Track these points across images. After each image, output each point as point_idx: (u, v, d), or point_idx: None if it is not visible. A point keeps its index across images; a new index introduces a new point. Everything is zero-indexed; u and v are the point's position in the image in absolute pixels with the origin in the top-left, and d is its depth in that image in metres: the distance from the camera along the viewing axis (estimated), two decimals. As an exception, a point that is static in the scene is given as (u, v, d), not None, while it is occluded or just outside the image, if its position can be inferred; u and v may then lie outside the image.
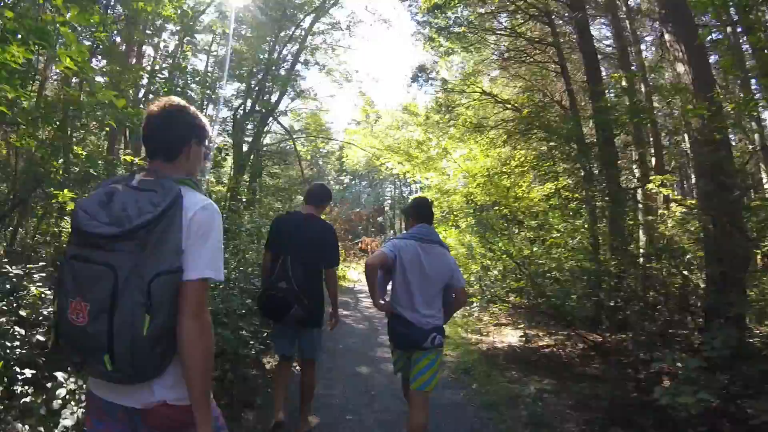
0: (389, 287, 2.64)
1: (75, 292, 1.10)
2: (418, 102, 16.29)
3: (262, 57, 11.75)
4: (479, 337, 6.20)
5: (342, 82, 15.76)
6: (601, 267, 4.84)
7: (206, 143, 1.40)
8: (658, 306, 4.66)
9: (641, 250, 5.14)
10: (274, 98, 13.00)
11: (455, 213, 9.62)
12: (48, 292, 3.08)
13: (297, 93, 12.83)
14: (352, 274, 15.35)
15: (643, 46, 11.22)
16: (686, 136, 7.48)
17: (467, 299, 3.16)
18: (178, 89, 7.07)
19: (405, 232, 2.80)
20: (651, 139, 8.21)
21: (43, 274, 3.35)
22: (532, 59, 9.85)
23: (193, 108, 1.38)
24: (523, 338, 5.56)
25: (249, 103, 12.49)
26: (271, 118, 15.58)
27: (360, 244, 16.08)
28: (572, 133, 5.72)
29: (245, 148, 10.86)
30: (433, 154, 13.39)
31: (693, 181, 8.78)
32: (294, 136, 14.07)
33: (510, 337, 6.13)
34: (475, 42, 10.58)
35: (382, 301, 2.62)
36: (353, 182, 46.57)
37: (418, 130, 14.63)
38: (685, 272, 4.44)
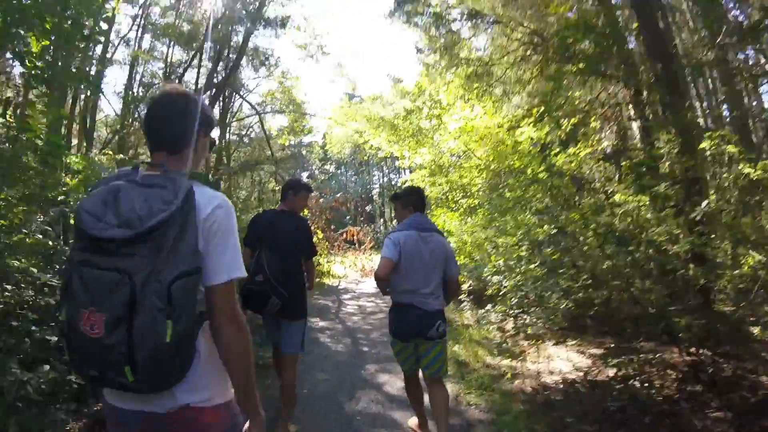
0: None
1: (87, 302, 1.02)
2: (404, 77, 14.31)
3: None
4: (513, 363, 4.28)
5: (318, 56, 13.75)
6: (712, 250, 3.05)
7: (212, 136, 1.38)
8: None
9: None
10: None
11: (463, 189, 7.73)
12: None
13: (266, 22, 10.12)
14: (338, 268, 13.45)
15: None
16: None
17: (460, 288, 3.11)
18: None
19: (401, 222, 2.82)
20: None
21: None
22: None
23: (199, 98, 1.33)
24: (588, 370, 3.74)
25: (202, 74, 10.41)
26: (235, 95, 13.54)
27: (345, 235, 14.13)
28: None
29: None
30: (425, 126, 11.51)
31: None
32: (261, 113, 12.07)
33: (559, 361, 4.19)
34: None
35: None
36: (338, 171, 44.59)
37: (405, 99, 12.73)
38: None
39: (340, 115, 14.06)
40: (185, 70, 8.97)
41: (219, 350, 1.15)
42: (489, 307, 6.51)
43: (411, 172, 16.45)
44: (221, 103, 12.91)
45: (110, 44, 7.88)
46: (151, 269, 1.01)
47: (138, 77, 10.45)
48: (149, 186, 1.10)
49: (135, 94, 9.12)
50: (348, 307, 8.10)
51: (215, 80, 10.04)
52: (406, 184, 12.37)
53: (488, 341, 5.36)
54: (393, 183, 41.92)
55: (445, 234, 3.97)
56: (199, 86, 9.27)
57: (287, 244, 2.83)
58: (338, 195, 15.23)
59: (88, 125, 7.81)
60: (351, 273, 13.40)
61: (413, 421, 2.98)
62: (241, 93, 13.30)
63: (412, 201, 2.82)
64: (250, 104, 12.05)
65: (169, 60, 10.92)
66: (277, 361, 2.94)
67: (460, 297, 6.92)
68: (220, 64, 10.03)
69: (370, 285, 10.09)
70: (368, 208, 41.73)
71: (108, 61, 7.61)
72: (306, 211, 12.76)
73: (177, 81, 9.15)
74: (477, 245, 8.07)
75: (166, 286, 1.01)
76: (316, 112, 14.84)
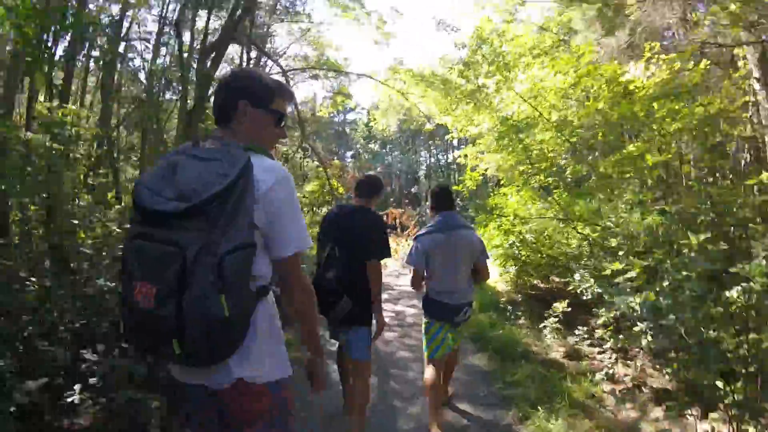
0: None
1: (141, 274, 1.04)
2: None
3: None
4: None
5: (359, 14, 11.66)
6: None
7: (273, 108, 1.29)
8: None
9: None
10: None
11: (545, 156, 5.47)
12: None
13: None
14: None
15: None
16: None
17: (489, 274, 3.10)
18: None
19: (429, 224, 3.00)
20: None
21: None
22: None
23: (257, 72, 1.39)
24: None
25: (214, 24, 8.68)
26: (264, 59, 11.81)
27: (386, 217, 12.21)
28: None
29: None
30: (486, 84, 9.19)
31: None
32: (287, 70, 10.29)
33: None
34: None
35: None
36: (383, 151, 42.60)
37: (462, 51, 10.41)
38: None
39: (385, 73, 11.94)
40: (177, 18, 7.26)
41: (294, 313, 1.28)
42: (584, 331, 4.39)
43: (464, 146, 14.11)
44: (246, 64, 11.25)
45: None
46: (203, 243, 0.99)
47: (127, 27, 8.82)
48: (206, 159, 1.09)
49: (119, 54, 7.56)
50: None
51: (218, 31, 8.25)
52: (459, 159, 10.25)
53: (598, 401, 3.28)
54: (441, 163, 39.39)
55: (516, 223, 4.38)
56: (207, 36, 7.54)
57: (360, 242, 2.61)
58: (378, 168, 13.27)
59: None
60: (390, 263, 11.53)
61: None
62: (267, 50, 11.54)
63: (440, 201, 2.97)
64: (269, 57, 10.20)
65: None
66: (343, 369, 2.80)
67: (545, 323, 4.85)
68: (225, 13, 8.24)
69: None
70: (414, 189, 39.60)
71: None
72: (341, 190, 11.11)
73: (173, 29, 7.46)
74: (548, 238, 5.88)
75: (218, 261, 0.99)
76: (358, 78, 12.64)
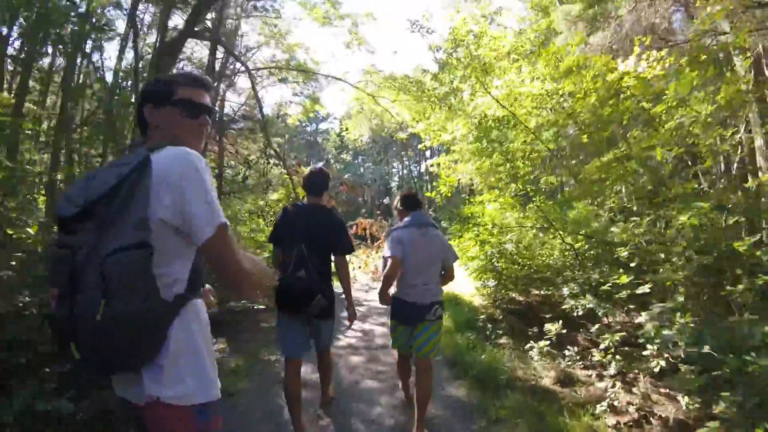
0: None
1: (52, 280, 1.05)
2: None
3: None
4: None
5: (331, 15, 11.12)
6: None
7: (176, 99, 1.20)
8: None
9: None
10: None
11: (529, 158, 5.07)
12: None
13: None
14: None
15: None
16: None
17: (454, 276, 3.09)
18: None
19: (401, 220, 3.07)
20: None
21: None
22: None
23: (162, 76, 1.29)
24: None
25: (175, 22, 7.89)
26: (230, 60, 11.06)
27: (355, 228, 11.57)
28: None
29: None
30: (460, 91, 8.79)
31: None
32: (257, 73, 9.57)
33: None
34: None
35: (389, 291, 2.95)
36: (356, 161, 42.07)
37: (437, 53, 10.05)
38: None
39: (358, 77, 11.42)
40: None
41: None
42: (575, 352, 3.93)
43: (437, 156, 13.72)
44: (211, 65, 10.49)
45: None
46: (93, 244, 0.97)
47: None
48: (117, 165, 1.07)
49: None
50: (348, 334, 5.56)
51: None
52: (432, 168, 9.82)
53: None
54: (413, 174, 39.18)
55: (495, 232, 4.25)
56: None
57: (325, 239, 2.73)
58: (346, 176, 12.65)
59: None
60: (360, 276, 10.87)
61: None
62: (236, 53, 10.82)
63: (410, 202, 3.11)
64: (232, 54, 9.44)
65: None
66: (293, 372, 2.69)
67: (533, 345, 4.33)
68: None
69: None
70: (386, 200, 39.12)
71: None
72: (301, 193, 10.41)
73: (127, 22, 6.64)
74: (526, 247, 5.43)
75: (101, 262, 0.94)
76: (328, 82, 11.91)
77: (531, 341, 4.41)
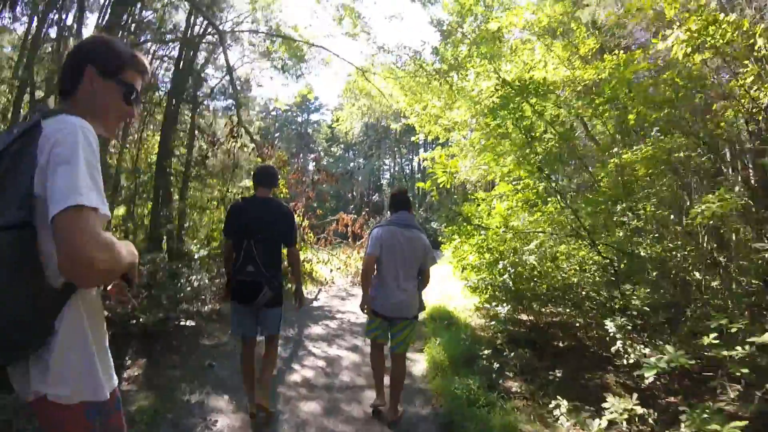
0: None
1: None
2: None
3: None
4: None
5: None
6: None
7: (123, 80, 1.13)
8: None
9: None
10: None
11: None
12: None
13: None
14: (324, 270, 9.54)
15: None
16: None
17: (429, 279, 3.14)
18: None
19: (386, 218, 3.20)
20: None
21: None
22: None
23: (108, 38, 1.16)
24: None
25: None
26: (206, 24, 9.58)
27: (335, 224, 10.20)
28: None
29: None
30: (463, 67, 7.50)
31: None
32: (224, 31, 8.11)
33: None
34: None
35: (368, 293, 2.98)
36: (347, 156, 40.60)
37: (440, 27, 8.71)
38: None
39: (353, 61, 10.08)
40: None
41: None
42: (619, 410, 2.67)
43: (431, 149, 12.44)
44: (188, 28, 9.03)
45: None
46: None
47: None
48: (8, 132, 1.01)
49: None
50: (307, 362, 4.22)
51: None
52: (425, 162, 8.63)
53: None
54: (405, 171, 37.92)
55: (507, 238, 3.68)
56: None
57: (274, 232, 2.83)
58: (322, 163, 11.26)
59: None
60: (339, 279, 9.54)
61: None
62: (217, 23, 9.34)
63: (398, 201, 3.11)
64: (202, 13, 7.96)
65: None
66: (248, 349, 2.93)
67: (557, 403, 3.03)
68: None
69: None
70: (375, 197, 37.77)
71: None
72: (285, 189, 9.10)
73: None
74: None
75: None
76: (311, 54, 10.41)
77: (552, 392, 3.15)
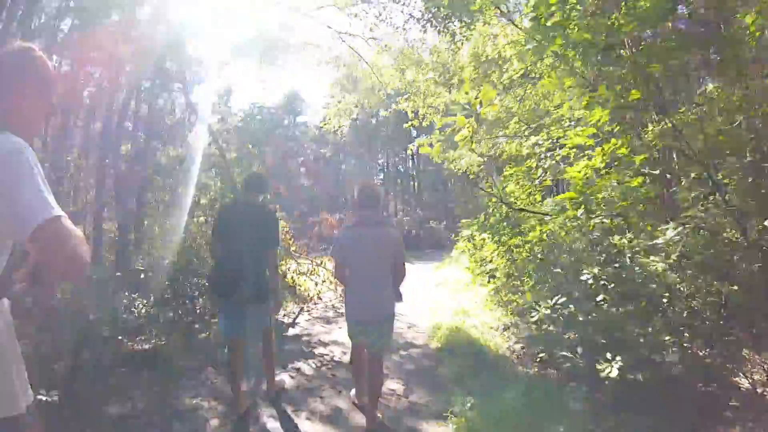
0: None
1: None
2: None
3: None
4: None
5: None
6: None
7: (45, 83, 1.13)
8: None
9: None
10: None
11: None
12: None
13: None
14: (308, 283, 7.78)
15: None
16: None
17: (405, 273, 3.00)
18: None
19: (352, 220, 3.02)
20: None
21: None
22: None
23: (17, 44, 1.13)
24: None
25: None
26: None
27: (318, 227, 8.52)
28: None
29: None
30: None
31: None
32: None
33: None
34: None
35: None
36: (338, 157, 38.85)
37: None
38: None
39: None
40: None
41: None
42: None
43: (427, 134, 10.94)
44: None
45: None
46: None
47: None
48: None
49: None
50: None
51: None
52: (417, 149, 7.10)
53: None
54: (399, 170, 36.27)
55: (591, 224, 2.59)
56: None
57: (256, 234, 2.92)
58: (301, 159, 9.70)
59: None
60: (328, 293, 7.80)
61: (353, 392, 3.20)
62: None
63: (365, 199, 2.92)
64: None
65: None
66: (236, 350, 2.98)
67: None
68: None
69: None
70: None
71: None
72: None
73: None
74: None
75: None
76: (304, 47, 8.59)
77: None
